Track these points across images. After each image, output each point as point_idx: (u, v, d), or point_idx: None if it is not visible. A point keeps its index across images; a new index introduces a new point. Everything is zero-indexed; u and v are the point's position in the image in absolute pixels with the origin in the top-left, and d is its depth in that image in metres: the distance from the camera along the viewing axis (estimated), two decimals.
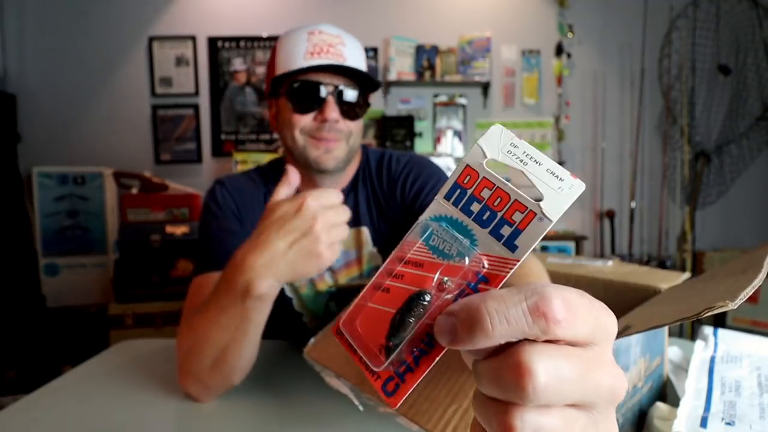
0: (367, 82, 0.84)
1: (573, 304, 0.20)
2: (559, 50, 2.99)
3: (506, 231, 0.23)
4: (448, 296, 0.24)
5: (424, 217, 0.26)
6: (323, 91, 0.80)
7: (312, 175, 0.87)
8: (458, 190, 0.25)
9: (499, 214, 0.24)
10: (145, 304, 2.42)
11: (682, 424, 0.44)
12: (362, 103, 0.85)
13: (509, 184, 0.25)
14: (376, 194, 0.93)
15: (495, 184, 0.24)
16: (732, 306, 0.32)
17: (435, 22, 2.97)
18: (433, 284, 0.24)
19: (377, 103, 2.98)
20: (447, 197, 0.26)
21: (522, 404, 0.20)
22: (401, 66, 2.89)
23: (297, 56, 0.80)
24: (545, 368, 0.19)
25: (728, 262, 0.54)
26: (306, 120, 0.81)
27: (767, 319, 2.39)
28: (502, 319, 0.20)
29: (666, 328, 0.56)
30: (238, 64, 2.93)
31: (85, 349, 1.21)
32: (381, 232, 0.92)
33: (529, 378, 0.19)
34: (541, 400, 0.19)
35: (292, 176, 0.65)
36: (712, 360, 0.56)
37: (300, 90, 0.81)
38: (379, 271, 0.27)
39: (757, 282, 0.36)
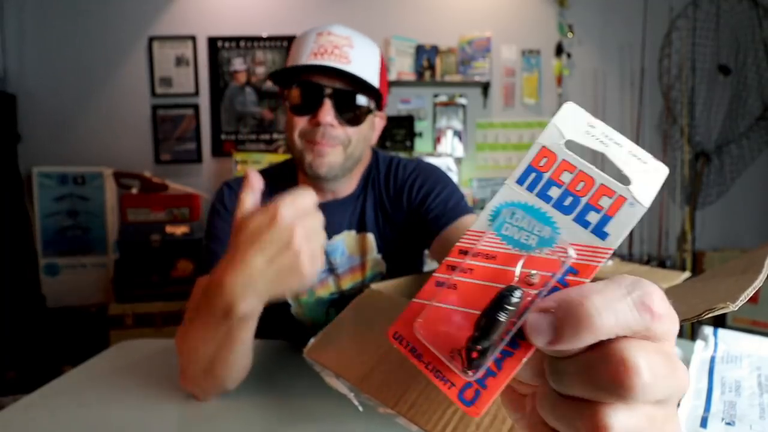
0: (370, 87, 0.80)
1: (664, 297, 0.20)
2: (559, 50, 2.99)
3: (593, 218, 0.21)
4: (533, 291, 0.21)
5: (492, 204, 0.24)
6: (320, 94, 0.78)
7: (314, 180, 0.86)
8: (533, 174, 0.23)
9: (584, 200, 0.22)
10: (145, 304, 2.42)
11: (682, 424, 0.44)
12: (366, 110, 0.82)
13: (593, 167, 0.23)
14: (382, 200, 0.92)
15: (576, 167, 0.23)
16: (733, 308, 0.32)
17: (435, 22, 2.97)
18: (517, 278, 0.21)
19: None
20: (519, 182, 0.23)
21: (613, 403, 0.19)
22: (401, 66, 2.89)
23: (302, 56, 0.79)
24: (648, 364, 0.18)
25: (728, 262, 0.54)
26: (303, 122, 0.80)
27: (767, 319, 2.39)
28: (609, 314, 0.19)
29: None
30: (238, 64, 2.93)
31: (85, 349, 1.21)
32: (386, 239, 0.91)
33: (635, 374, 0.18)
34: (645, 396, 0.18)
35: (254, 181, 0.59)
36: (712, 360, 0.56)
37: (298, 90, 0.80)
38: (436, 268, 0.24)
39: (758, 283, 0.36)
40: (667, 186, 3.03)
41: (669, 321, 0.20)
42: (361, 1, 2.97)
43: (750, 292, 0.34)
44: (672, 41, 2.96)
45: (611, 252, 0.21)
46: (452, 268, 0.23)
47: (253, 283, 0.53)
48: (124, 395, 0.71)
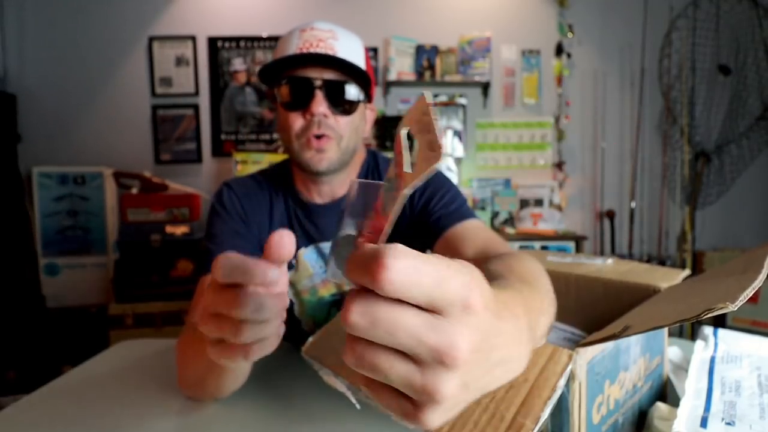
0: (364, 76, 0.81)
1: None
2: (559, 50, 2.99)
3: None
4: None
5: None
6: (310, 86, 0.78)
7: (311, 177, 0.87)
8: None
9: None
10: (145, 304, 2.42)
11: (682, 424, 0.44)
12: (356, 99, 0.82)
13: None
14: None
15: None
16: (732, 308, 0.32)
17: (435, 22, 2.97)
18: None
19: (377, 103, 2.98)
20: None
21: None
22: (401, 66, 2.89)
23: (288, 53, 0.79)
24: (401, 264, 0.23)
25: (728, 262, 0.54)
26: (298, 120, 0.80)
27: (767, 319, 2.39)
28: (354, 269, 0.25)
29: (665, 328, 0.56)
30: (238, 64, 2.93)
31: (85, 349, 1.21)
32: (388, 240, 0.90)
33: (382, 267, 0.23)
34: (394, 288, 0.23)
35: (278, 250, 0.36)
36: (712, 360, 0.56)
37: (288, 85, 0.79)
38: None
39: (758, 283, 0.36)
40: (667, 186, 3.03)
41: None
42: (361, 1, 2.97)
43: (750, 292, 0.34)
44: (672, 41, 2.96)
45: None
46: None
47: None
48: (124, 395, 0.71)
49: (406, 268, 0.23)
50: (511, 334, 0.30)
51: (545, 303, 0.44)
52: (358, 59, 0.82)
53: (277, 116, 0.85)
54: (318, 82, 0.78)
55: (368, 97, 0.87)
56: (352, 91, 0.81)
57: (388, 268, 0.23)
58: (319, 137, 0.80)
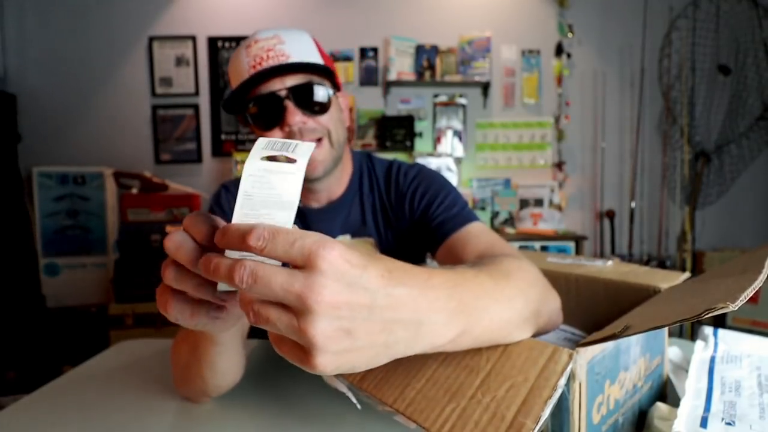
0: (323, 70, 0.78)
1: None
2: (559, 50, 2.99)
3: None
4: None
5: None
6: (278, 100, 0.75)
7: (306, 185, 0.84)
8: None
9: None
10: (145, 304, 2.41)
11: (682, 424, 0.44)
12: (326, 94, 0.79)
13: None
14: (383, 204, 0.91)
15: None
16: (732, 308, 0.32)
17: (435, 22, 2.97)
18: None
19: (377, 103, 2.98)
20: None
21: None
22: (401, 66, 2.89)
23: (242, 75, 0.76)
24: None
25: (728, 262, 0.54)
26: (277, 136, 0.77)
27: (767, 319, 2.39)
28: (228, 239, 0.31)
29: (666, 328, 0.56)
30: None
31: (85, 349, 1.21)
32: (387, 243, 0.90)
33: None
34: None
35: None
36: (712, 360, 0.56)
37: (256, 107, 0.77)
38: None
39: (758, 283, 0.36)
40: (667, 186, 3.03)
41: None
42: (361, 1, 2.97)
43: (750, 292, 0.34)
44: (672, 41, 2.96)
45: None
46: None
47: None
48: (124, 395, 0.71)
49: (270, 228, 0.30)
50: (413, 297, 0.34)
51: (507, 294, 0.44)
52: (312, 54, 0.79)
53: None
54: (283, 93, 0.75)
55: (336, 87, 0.84)
56: (320, 89, 0.78)
57: (257, 228, 0.30)
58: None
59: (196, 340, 0.56)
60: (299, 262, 0.30)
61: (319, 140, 0.79)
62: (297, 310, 0.30)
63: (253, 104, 0.77)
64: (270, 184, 0.32)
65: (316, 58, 0.79)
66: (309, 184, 0.85)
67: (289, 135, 0.76)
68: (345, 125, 0.86)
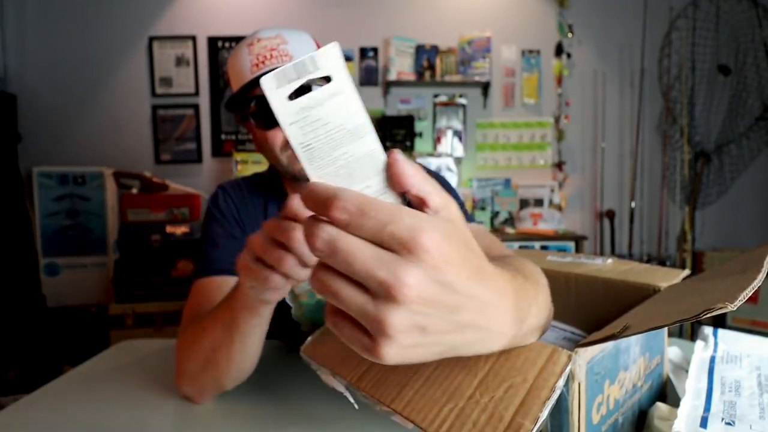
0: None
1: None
2: (559, 50, 2.99)
3: None
4: None
5: None
6: None
7: (303, 185, 0.86)
8: None
9: None
10: (145, 304, 2.42)
11: (682, 424, 0.44)
12: None
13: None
14: None
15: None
16: (731, 307, 0.32)
17: (435, 22, 2.97)
18: None
19: (377, 103, 2.98)
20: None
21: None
22: (401, 66, 2.89)
23: (244, 74, 0.77)
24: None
25: (728, 262, 0.54)
26: (279, 135, 0.78)
27: (767, 319, 2.39)
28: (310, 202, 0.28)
29: (665, 328, 0.56)
30: None
31: (85, 349, 1.22)
32: None
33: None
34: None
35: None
36: (712, 360, 0.56)
37: (258, 106, 0.77)
38: None
39: (757, 282, 0.36)
40: (667, 186, 3.03)
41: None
42: (361, 1, 2.97)
43: (749, 291, 0.34)
44: (672, 41, 2.96)
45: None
46: None
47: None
48: (124, 395, 0.71)
49: (358, 201, 0.26)
50: (490, 304, 0.31)
51: (540, 298, 0.43)
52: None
53: (254, 137, 0.84)
54: None
55: None
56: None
57: (342, 199, 0.26)
58: None
59: (233, 317, 0.58)
60: (391, 246, 0.26)
61: None
62: (377, 294, 0.27)
63: (255, 103, 0.77)
64: (322, 121, 0.26)
65: None
66: (305, 184, 0.85)
67: None
68: None
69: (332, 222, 0.26)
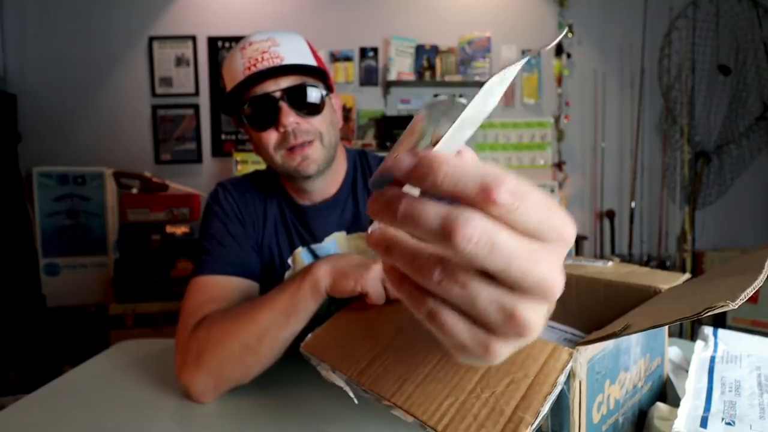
0: (316, 72, 0.80)
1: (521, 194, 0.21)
2: (559, 50, 2.99)
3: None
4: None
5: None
6: (273, 101, 0.77)
7: (300, 184, 0.86)
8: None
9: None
10: (145, 304, 2.42)
11: (682, 424, 0.44)
12: (320, 96, 0.81)
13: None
14: None
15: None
16: (732, 306, 0.32)
17: (435, 22, 2.97)
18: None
19: (377, 103, 2.98)
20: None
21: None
22: (401, 66, 2.89)
23: (237, 76, 0.78)
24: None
25: (729, 262, 0.54)
26: (271, 136, 0.79)
27: (767, 319, 2.39)
28: (453, 178, 0.21)
29: (666, 328, 0.56)
30: None
31: (85, 349, 1.21)
32: None
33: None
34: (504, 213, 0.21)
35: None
36: (712, 360, 0.56)
37: (250, 108, 0.78)
38: None
39: (758, 283, 0.36)
40: (667, 186, 3.03)
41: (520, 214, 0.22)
42: (361, 1, 2.97)
43: (750, 291, 0.34)
44: (672, 41, 2.96)
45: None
46: None
47: (338, 259, 0.67)
48: (124, 395, 0.71)
49: (520, 188, 0.21)
50: None
51: None
52: (305, 56, 0.81)
53: (251, 138, 0.85)
54: (278, 94, 0.77)
55: (329, 88, 0.85)
56: (313, 90, 0.80)
57: (505, 181, 0.21)
58: (301, 145, 0.79)
59: (294, 303, 0.65)
60: (546, 235, 0.22)
61: (310, 142, 0.80)
62: (526, 290, 0.22)
63: (248, 105, 0.78)
64: (484, 104, 0.25)
65: (310, 60, 0.81)
66: (301, 183, 0.85)
67: (284, 135, 0.79)
68: (337, 126, 0.88)
69: (488, 207, 0.21)
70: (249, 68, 0.76)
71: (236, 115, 0.83)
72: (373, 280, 0.63)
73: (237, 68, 0.78)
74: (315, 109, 0.80)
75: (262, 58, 0.77)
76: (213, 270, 0.79)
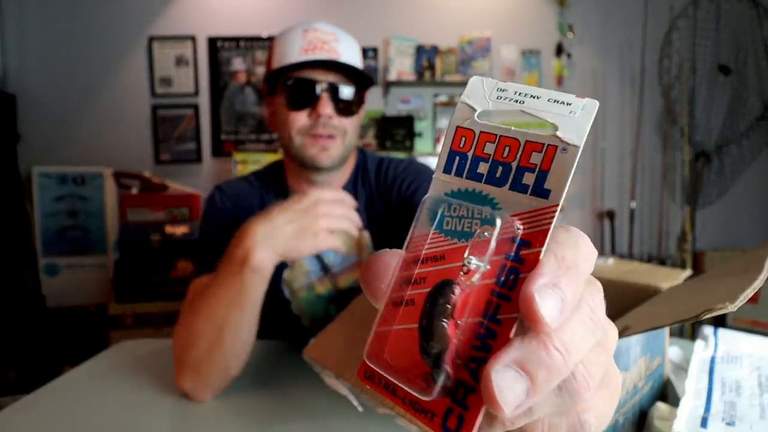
0: (361, 78, 0.85)
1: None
2: (559, 50, 2.99)
3: (529, 179, 0.20)
4: (486, 281, 0.18)
5: (427, 203, 0.22)
6: (317, 88, 0.80)
7: (308, 173, 0.88)
8: (457, 158, 0.21)
9: (514, 164, 0.20)
10: (145, 304, 2.41)
11: (682, 424, 0.44)
12: (357, 101, 0.85)
13: (512, 128, 0.21)
14: (374, 198, 0.93)
15: (496, 135, 0.21)
16: (732, 308, 0.32)
17: (435, 22, 2.97)
18: (464, 270, 0.19)
19: (377, 103, 2.98)
20: (446, 171, 0.22)
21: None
22: (401, 66, 2.89)
23: (292, 53, 0.80)
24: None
25: (728, 262, 0.54)
26: (301, 118, 0.82)
27: (767, 319, 2.39)
28: (577, 359, 0.17)
29: (666, 329, 0.56)
30: (238, 64, 2.93)
31: (85, 349, 1.21)
32: (381, 236, 0.92)
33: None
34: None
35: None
36: (713, 360, 0.56)
37: (294, 86, 0.81)
38: (390, 283, 0.21)
39: (758, 283, 0.36)
40: (668, 186, 3.03)
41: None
42: (361, 1, 2.97)
43: (749, 292, 0.34)
44: (672, 41, 2.96)
45: (558, 208, 0.19)
46: (405, 282, 0.20)
47: (272, 235, 0.63)
48: (124, 395, 0.71)
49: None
50: None
51: None
52: (358, 63, 0.85)
53: (275, 113, 0.87)
54: (324, 85, 0.80)
55: (364, 98, 0.89)
56: (354, 95, 0.84)
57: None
58: (326, 136, 0.82)
59: (242, 286, 0.64)
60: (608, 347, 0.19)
61: (333, 137, 0.83)
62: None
63: (293, 82, 0.81)
64: None
65: (360, 67, 0.86)
66: (310, 173, 0.87)
67: (314, 122, 0.82)
68: (358, 131, 0.92)
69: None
70: (307, 51, 0.80)
71: (274, 88, 0.85)
72: (330, 220, 0.63)
73: (294, 46, 0.81)
74: (349, 110, 0.84)
75: (323, 47, 0.81)
76: (209, 271, 0.80)
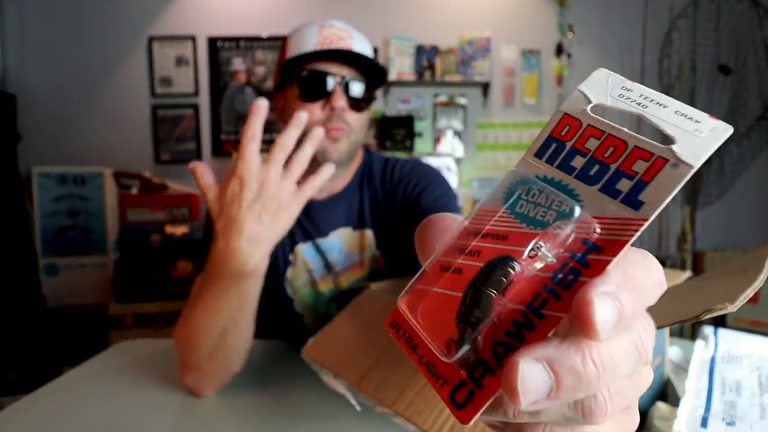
0: (373, 77, 0.86)
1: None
2: (559, 50, 2.99)
3: (625, 185, 0.18)
4: (545, 273, 0.18)
5: (506, 180, 0.21)
6: (331, 81, 0.82)
7: (317, 169, 0.87)
8: (554, 145, 0.20)
9: (613, 166, 0.19)
10: (145, 304, 2.41)
11: (682, 424, 0.44)
12: (368, 97, 0.86)
13: (625, 129, 0.19)
14: (379, 198, 0.93)
15: (604, 131, 0.19)
16: (731, 308, 0.32)
17: (435, 22, 2.97)
18: (525, 255, 0.18)
19: (377, 102, 2.97)
20: (538, 155, 0.21)
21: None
22: (401, 66, 2.89)
23: (308, 46, 0.82)
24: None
25: (729, 262, 0.54)
26: (314, 110, 0.82)
27: (767, 319, 2.39)
28: (611, 371, 0.16)
29: (666, 329, 0.56)
30: (238, 64, 2.93)
31: (85, 349, 1.21)
32: (384, 235, 0.92)
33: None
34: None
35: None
36: (713, 360, 0.56)
37: (308, 78, 0.82)
38: (441, 248, 0.20)
39: (758, 283, 0.36)
40: None
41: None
42: (361, 1, 2.97)
43: (749, 292, 0.34)
44: (672, 41, 2.96)
45: (646, 223, 0.18)
46: (459, 250, 0.20)
47: (254, 239, 0.61)
48: (124, 395, 0.71)
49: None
50: None
51: None
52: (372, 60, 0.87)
53: (285, 107, 0.87)
54: (338, 78, 0.82)
55: (374, 97, 0.90)
56: (366, 92, 0.85)
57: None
58: (336, 129, 0.83)
59: (241, 290, 0.63)
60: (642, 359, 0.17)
61: (342, 130, 0.84)
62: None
63: (307, 74, 0.82)
64: None
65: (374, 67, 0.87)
66: (318, 168, 0.87)
67: (328, 116, 0.82)
68: (365, 130, 0.92)
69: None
70: (323, 44, 0.81)
71: (286, 80, 0.86)
72: (286, 183, 0.63)
73: (309, 39, 0.83)
74: (359, 107, 0.85)
75: (338, 42, 0.82)
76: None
